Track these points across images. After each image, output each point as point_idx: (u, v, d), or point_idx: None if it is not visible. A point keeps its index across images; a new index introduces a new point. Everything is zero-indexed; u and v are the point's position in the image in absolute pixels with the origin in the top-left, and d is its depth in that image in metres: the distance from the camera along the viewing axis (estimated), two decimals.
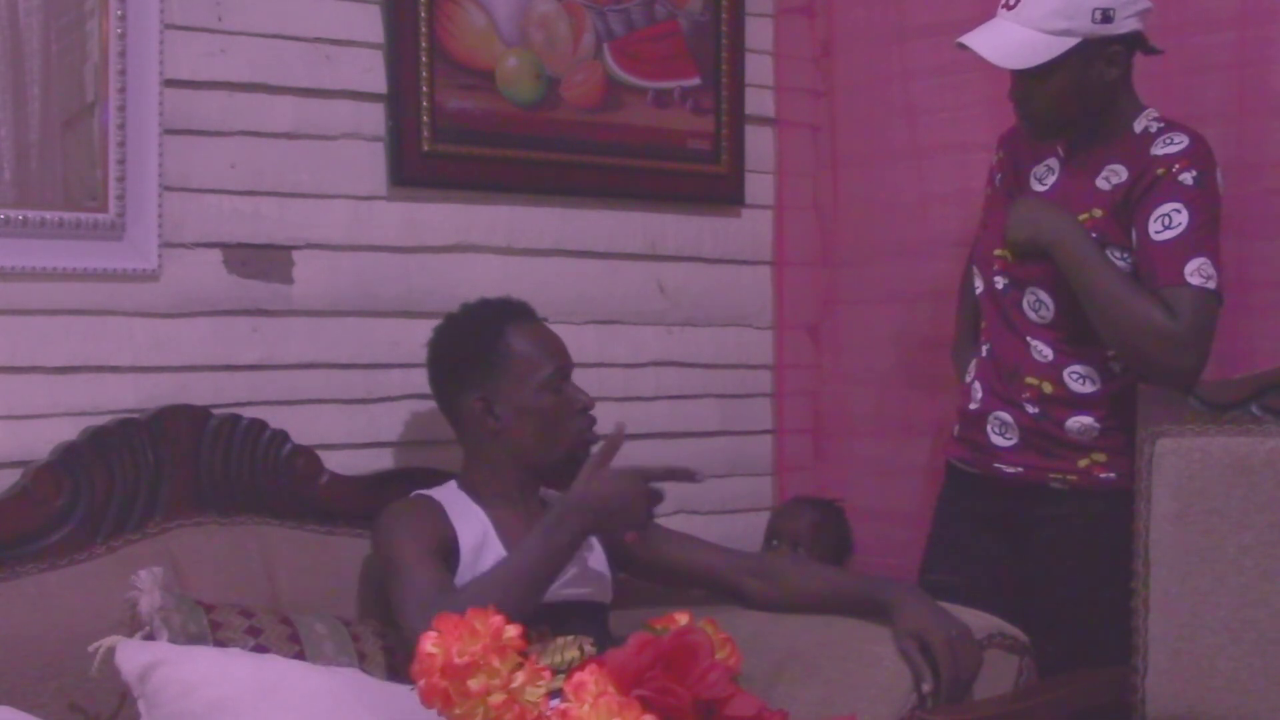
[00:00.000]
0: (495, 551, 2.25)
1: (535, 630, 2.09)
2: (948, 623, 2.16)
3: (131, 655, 1.89)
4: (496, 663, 1.51)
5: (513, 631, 1.55)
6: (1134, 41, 2.31)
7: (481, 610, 1.56)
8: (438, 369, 2.41)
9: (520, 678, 1.53)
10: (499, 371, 2.31)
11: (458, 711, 1.50)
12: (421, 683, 1.53)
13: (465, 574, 2.21)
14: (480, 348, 2.33)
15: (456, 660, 1.49)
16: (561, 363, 2.36)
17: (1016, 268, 2.41)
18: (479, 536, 2.26)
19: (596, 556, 2.35)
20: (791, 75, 3.13)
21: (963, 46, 2.33)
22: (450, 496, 2.33)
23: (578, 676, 1.56)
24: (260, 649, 2.07)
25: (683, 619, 1.70)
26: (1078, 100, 2.31)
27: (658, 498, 2.21)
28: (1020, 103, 2.36)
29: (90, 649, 1.93)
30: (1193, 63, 2.49)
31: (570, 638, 2.17)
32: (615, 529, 2.21)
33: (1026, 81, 2.31)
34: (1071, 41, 2.25)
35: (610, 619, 2.33)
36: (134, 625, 2.04)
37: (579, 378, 2.44)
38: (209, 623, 2.09)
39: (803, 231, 3.15)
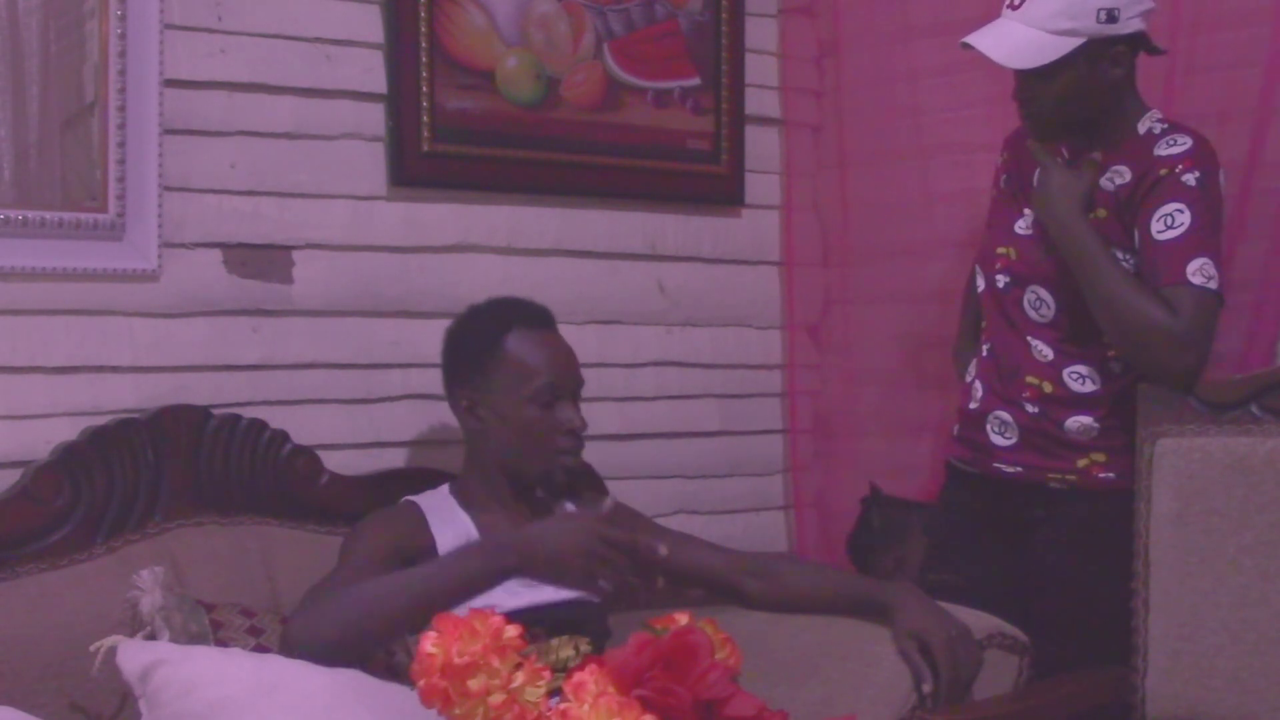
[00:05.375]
0: None
1: (530, 631, 2.08)
2: (947, 623, 2.16)
3: (133, 655, 1.89)
4: (496, 663, 1.51)
5: (512, 632, 1.55)
6: (1137, 41, 2.31)
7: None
8: (443, 358, 2.37)
9: (520, 678, 1.53)
10: (489, 374, 2.27)
11: (457, 711, 1.50)
12: (421, 683, 1.53)
13: None
14: (477, 347, 2.29)
15: (456, 660, 1.49)
16: (558, 379, 2.27)
17: (1020, 264, 2.41)
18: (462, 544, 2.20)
19: None
20: (790, 75, 3.13)
21: (968, 47, 2.33)
22: (437, 502, 2.30)
23: (578, 676, 1.56)
24: (261, 649, 2.07)
25: (683, 619, 1.70)
26: (1083, 100, 2.31)
27: (611, 564, 1.98)
28: (1025, 104, 2.35)
29: (91, 648, 1.93)
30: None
31: (565, 638, 2.16)
32: (550, 580, 2.04)
33: (1031, 82, 2.31)
34: (1076, 41, 2.25)
35: (610, 620, 2.32)
36: (135, 625, 2.04)
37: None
38: (210, 622, 2.09)
39: (805, 231, 3.15)
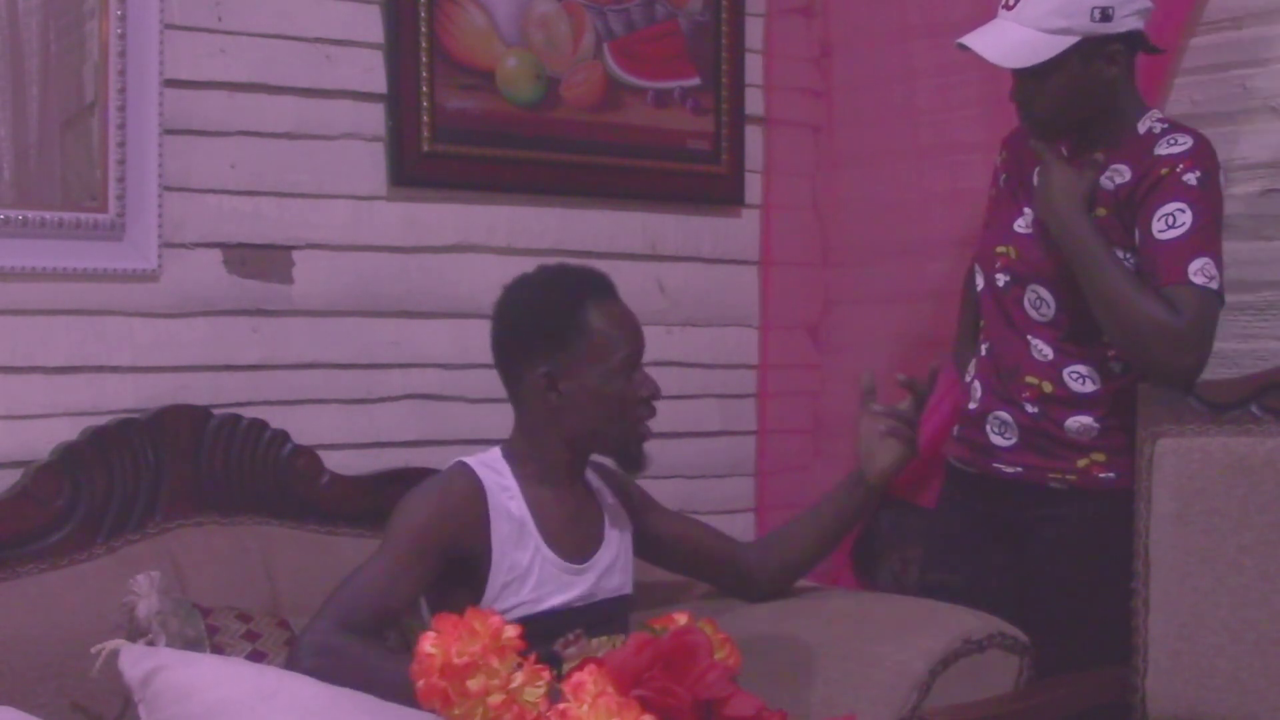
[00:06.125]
0: (533, 543, 2.14)
1: (572, 631, 2.05)
2: None
3: (135, 660, 1.88)
4: (495, 663, 1.51)
5: (511, 632, 1.54)
6: (1135, 41, 2.31)
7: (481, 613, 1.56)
8: (504, 332, 2.22)
9: (519, 678, 1.53)
10: (571, 348, 2.15)
11: (456, 712, 1.49)
12: (420, 683, 1.53)
13: (500, 566, 2.10)
14: (555, 319, 2.16)
15: (455, 660, 1.49)
16: (637, 346, 2.20)
17: (1019, 263, 2.41)
18: (516, 527, 2.13)
19: (628, 550, 2.29)
20: (787, 75, 3.13)
21: (963, 47, 2.33)
22: (494, 473, 2.17)
23: (577, 677, 1.56)
24: (258, 654, 2.06)
25: (682, 619, 1.70)
26: (1078, 99, 2.30)
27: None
28: (1022, 104, 2.35)
29: (93, 650, 1.92)
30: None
31: (605, 638, 2.13)
32: None
33: (1027, 82, 2.31)
34: (1070, 40, 2.25)
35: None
36: (132, 630, 2.03)
37: None
38: (206, 627, 2.09)
39: (801, 231, 3.15)
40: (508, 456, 2.21)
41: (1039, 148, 2.35)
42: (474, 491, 2.13)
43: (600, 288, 2.22)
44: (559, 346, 2.15)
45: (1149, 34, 2.33)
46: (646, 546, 2.38)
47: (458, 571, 2.10)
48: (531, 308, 2.20)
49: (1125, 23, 2.26)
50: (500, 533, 2.12)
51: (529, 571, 2.12)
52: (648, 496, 2.43)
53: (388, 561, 2.06)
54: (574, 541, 2.19)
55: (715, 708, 1.60)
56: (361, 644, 1.96)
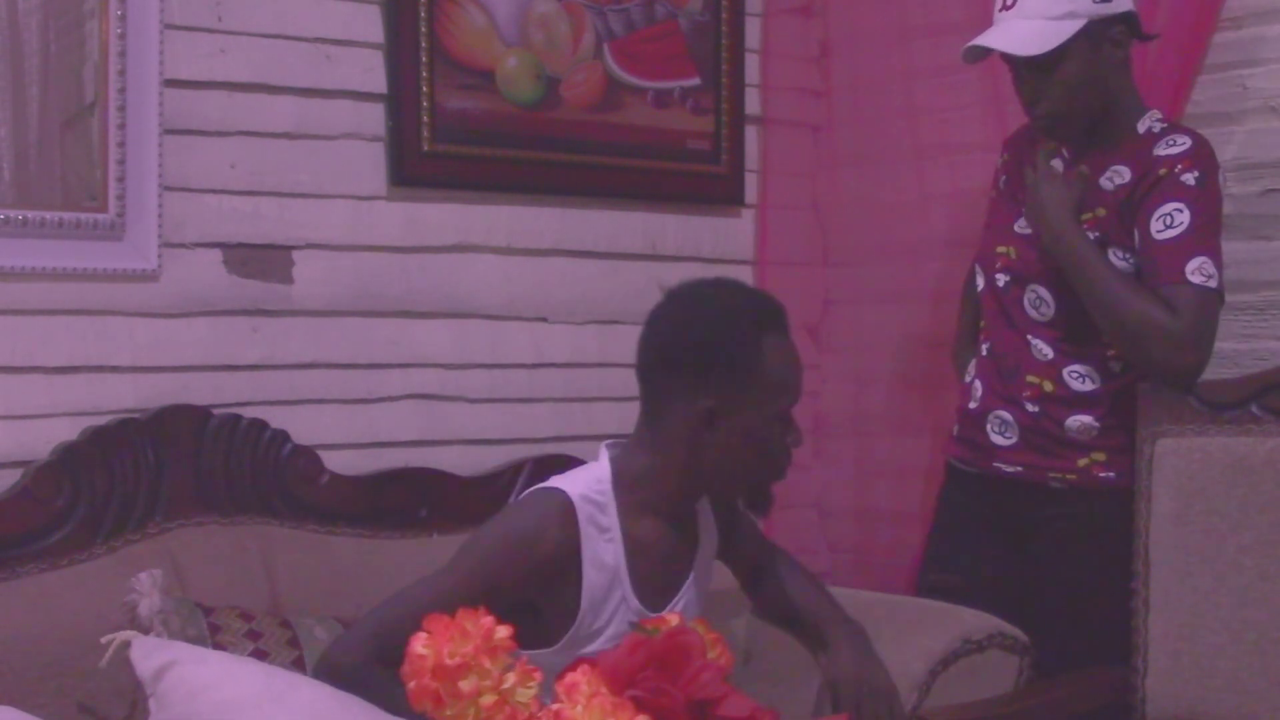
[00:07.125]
0: (620, 594, 1.97)
1: None
2: (869, 678, 2.01)
3: (148, 654, 1.87)
4: (488, 664, 1.51)
5: (504, 633, 1.54)
6: (1131, 24, 2.31)
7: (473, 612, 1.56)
8: (672, 351, 1.98)
9: (511, 679, 1.52)
10: (744, 385, 1.94)
11: (449, 713, 1.49)
12: (412, 684, 1.53)
13: (583, 622, 1.95)
14: (733, 352, 1.94)
15: (448, 661, 1.49)
16: (799, 393, 2.01)
17: (1020, 263, 2.42)
18: (607, 578, 1.97)
19: (709, 572, 2.14)
20: (786, 75, 3.13)
21: (975, 51, 2.32)
22: (596, 509, 1.97)
23: (570, 677, 1.56)
24: (260, 653, 2.06)
25: (674, 620, 1.70)
26: (1089, 87, 2.31)
27: None
28: (1033, 102, 2.35)
29: (103, 640, 1.91)
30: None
31: None
32: None
33: (1037, 79, 2.31)
34: (1078, 23, 2.26)
35: None
36: (134, 628, 2.03)
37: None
38: (208, 626, 2.09)
39: (800, 231, 3.14)
40: (618, 483, 2.00)
41: (1042, 153, 2.35)
42: (568, 543, 1.95)
43: (778, 321, 2.00)
44: (729, 382, 1.94)
45: (1142, 21, 2.34)
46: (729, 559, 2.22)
47: (528, 612, 1.93)
48: (711, 333, 1.96)
49: (1123, 3, 2.28)
50: (590, 584, 1.96)
51: (608, 624, 1.98)
52: (746, 515, 2.22)
53: (449, 592, 1.87)
54: (661, 584, 2.04)
55: (709, 708, 1.60)
56: (393, 680, 1.75)
